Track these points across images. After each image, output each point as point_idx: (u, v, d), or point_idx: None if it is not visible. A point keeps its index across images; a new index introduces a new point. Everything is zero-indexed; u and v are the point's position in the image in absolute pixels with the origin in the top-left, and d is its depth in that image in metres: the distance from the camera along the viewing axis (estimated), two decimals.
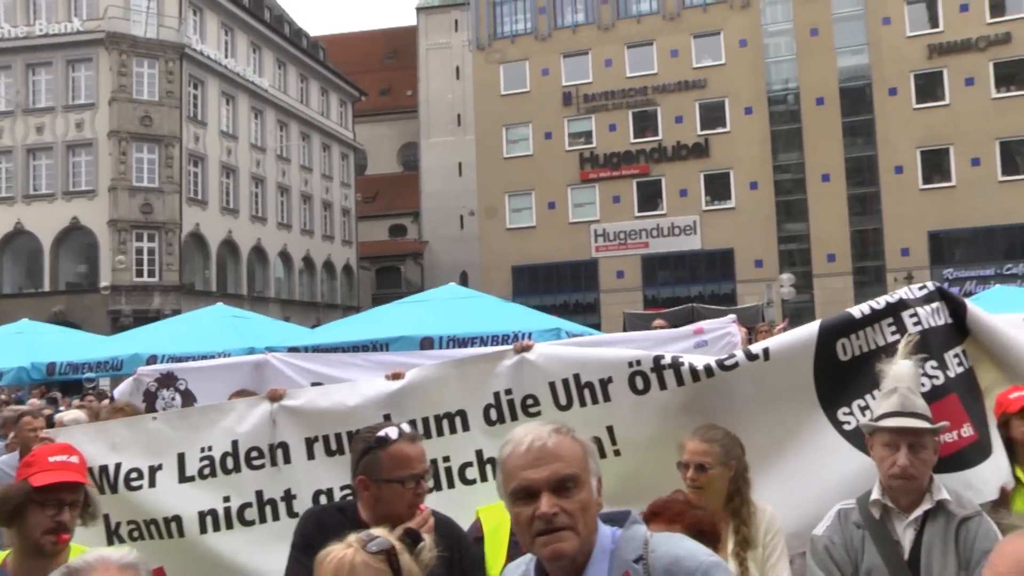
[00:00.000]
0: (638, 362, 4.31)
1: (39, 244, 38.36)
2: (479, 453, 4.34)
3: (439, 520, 3.34)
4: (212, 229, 41.79)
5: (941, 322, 4.21)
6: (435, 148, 62.12)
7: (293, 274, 49.44)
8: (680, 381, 4.23)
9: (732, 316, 7.18)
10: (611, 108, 46.42)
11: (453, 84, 62.25)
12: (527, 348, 4.54)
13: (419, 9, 64.90)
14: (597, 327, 35.25)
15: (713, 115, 45.27)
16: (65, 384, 20.32)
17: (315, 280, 51.95)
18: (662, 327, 10.38)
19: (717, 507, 3.63)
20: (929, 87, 42.51)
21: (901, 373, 3.55)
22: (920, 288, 4.34)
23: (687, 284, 44.40)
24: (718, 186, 45.02)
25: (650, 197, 45.82)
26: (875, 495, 3.38)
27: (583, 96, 46.92)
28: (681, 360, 4.27)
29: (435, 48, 63.42)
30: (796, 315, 39.74)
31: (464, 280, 49.85)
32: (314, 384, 6.32)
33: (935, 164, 42.24)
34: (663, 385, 4.25)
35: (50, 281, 38.23)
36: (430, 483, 4.31)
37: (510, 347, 4.61)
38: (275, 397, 4.51)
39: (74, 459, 3.15)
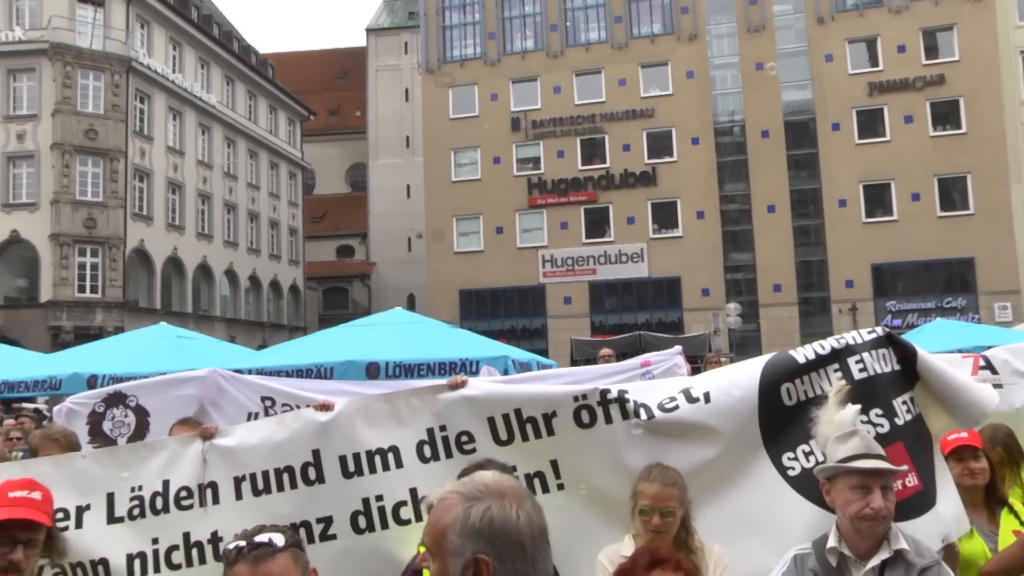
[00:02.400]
0: (584, 396, 4.24)
1: None
2: (413, 491, 4.20)
3: None
4: (157, 245, 41.15)
5: (888, 368, 4.14)
6: (383, 170, 61.97)
7: (239, 293, 48.82)
8: (625, 415, 4.18)
9: (678, 348, 7.25)
10: (559, 135, 46.72)
11: (402, 106, 62.25)
12: (461, 384, 4.44)
13: (369, 30, 64.87)
14: (544, 353, 35.33)
15: (660, 144, 45.77)
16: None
17: (261, 299, 51.35)
18: (608, 356, 10.48)
19: (669, 545, 3.64)
20: (870, 123, 43.53)
21: (845, 419, 3.50)
22: (868, 332, 4.27)
23: (634, 311, 44.67)
24: (665, 214, 45.47)
25: (598, 224, 46.14)
26: (831, 542, 3.30)
27: (532, 122, 47.17)
28: (627, 397, 4.22)
29: (384, 70, 63.42)
30: (742, 343, 40.37)
31: (411, 303, 49.73)
32: (264, 397, 6.26)
33: (877, 198, 43.18)
34: (608, 419, 4.19)
35: None
36: (362, 524, 4.21)
37: (443, 382, 4.52)
38: (207, 435, 4.38)
39: (36, 495, 2.97)
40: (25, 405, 19.01)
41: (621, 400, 4.21)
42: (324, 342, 12.78)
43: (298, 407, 6.04)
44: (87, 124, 37.43)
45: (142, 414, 6.29)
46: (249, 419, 6.02)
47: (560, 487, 4.22)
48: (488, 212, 46.92)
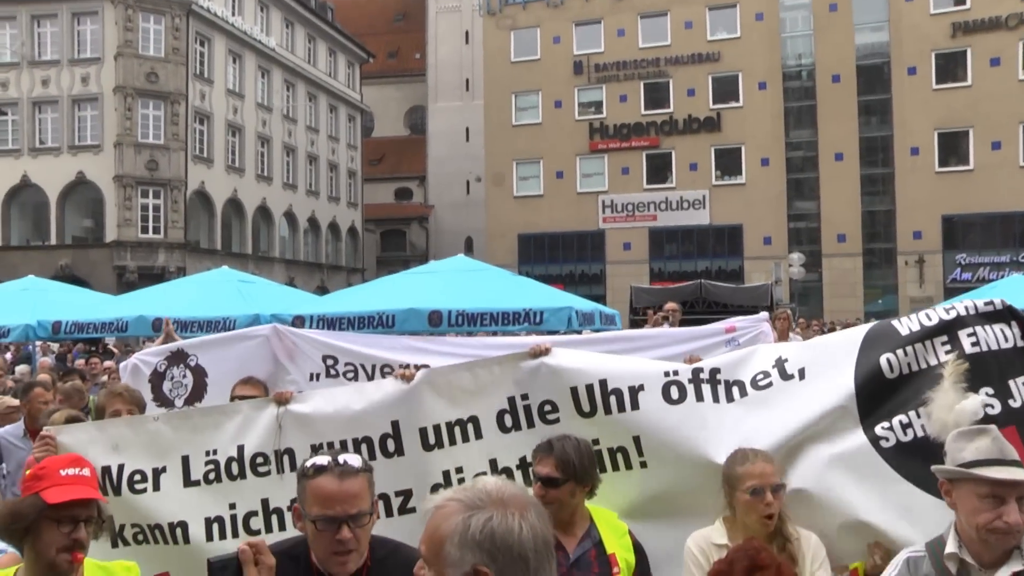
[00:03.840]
0: (675, 372, 4.09)
1: (45, 197, 38.09)
2: (493, 462, 4.12)
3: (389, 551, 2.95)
4: (217, 187, 41.48)
5: (1008, 344, 3.78)
6: (443, 113, 61.53)
7: (298, 235, 49.20)
8: (716, 397, 4.02)
9: (764, 315, 6.86)
10: (622, 79, 45.85)
11: (462, 49, 61.50)
12: (545, 352, 4.27)
13: None
14: (602, 299, 35.10)
15: (726, 89, 44.68)
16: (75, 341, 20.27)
17: (320, 241, 51.74)
18: (675, 311, 10.11)
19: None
20: (950, 67, 41.68)
21: (967, 410, 3.19)
22: (985, 304, 3.89)
23: (694, 259, 44.14)
24: (728, 161, 44.56)
25: (659, 170, 45.41)
26: (951, 547, 2.95)
27: (594, 66, 46.30)
28: (719, 376, 4.06)
29: (445, 12, 62.61)
30: (804, 294, 39.67)
31: (469, 246, 49.68)
32: (326, 357, 6.10)
33: (952, 147, 41.58)
34: (700, 397, 4.02)
35: (56, 234, 38.07)
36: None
37: (526, 349, 4.34)
38: (282, 400, 4.26)
39: (86, 472, 2.90)
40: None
41: (713, 379, 4.05)
42: (387, 289, 12.69)
43: (362, 366, 5.88)
44: (148, 67, 37.58)
45: (200, 374, 6.16)
46: (312, 379, 5.91)
47: (643, 464, 4.03)
48: (548, 156, 46.43)
